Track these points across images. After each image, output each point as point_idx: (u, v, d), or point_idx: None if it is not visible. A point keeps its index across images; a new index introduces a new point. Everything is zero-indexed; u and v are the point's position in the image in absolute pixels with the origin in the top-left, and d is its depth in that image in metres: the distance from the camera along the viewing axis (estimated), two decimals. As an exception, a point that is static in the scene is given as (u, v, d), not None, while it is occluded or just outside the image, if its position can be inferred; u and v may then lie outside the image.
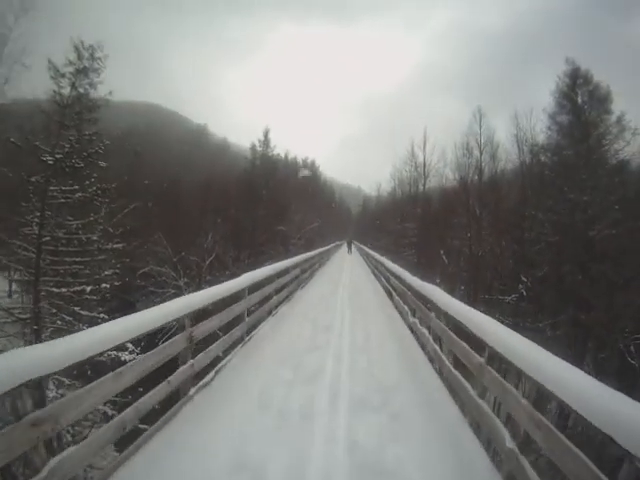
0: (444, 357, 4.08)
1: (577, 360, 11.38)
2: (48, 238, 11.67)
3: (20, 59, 10.35)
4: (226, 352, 4.77)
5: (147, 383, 3.03)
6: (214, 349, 4.18)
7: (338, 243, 44.05)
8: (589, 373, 2.06)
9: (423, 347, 5.15)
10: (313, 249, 22.38)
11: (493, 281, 16.71)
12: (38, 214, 11.22)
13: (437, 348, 4.45)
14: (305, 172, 53.51)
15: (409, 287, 6.63)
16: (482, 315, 3.40)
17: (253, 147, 29.68)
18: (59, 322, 12.35)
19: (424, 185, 27.16)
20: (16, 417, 1.77)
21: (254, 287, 5.81)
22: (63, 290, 12.21)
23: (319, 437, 2.97)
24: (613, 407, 1.59)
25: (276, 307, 7.55)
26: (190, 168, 39.29)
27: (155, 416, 3.21)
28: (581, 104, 16.51)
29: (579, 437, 4.02)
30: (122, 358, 10.97)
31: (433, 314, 4.69)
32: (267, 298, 6.77)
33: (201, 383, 3.91)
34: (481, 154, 20.76)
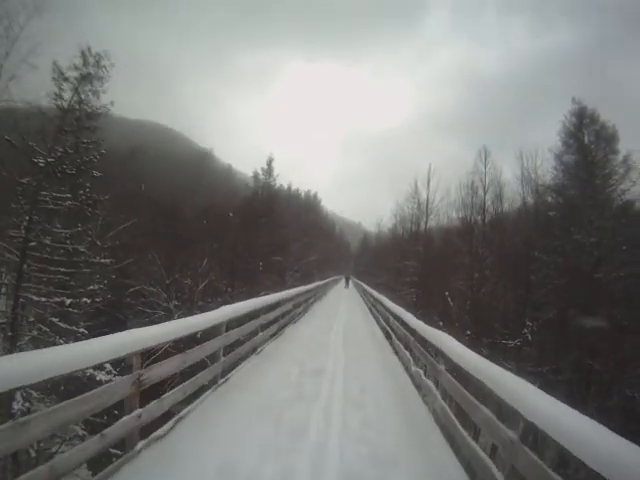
0: (457, 422, 3.29)
1: (581, 406, 10.52)
2: (34, 244, 11.20)
3: (27, 58, 10.15)
4: (195, 395, 3.96)
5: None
6: (172, 396, 3.37)
7: (336, 278, 43.40)
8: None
9: (428, 403, 4.32)
10: (311, 282, 21.70)
11: (495, 324, 15.83)
12: (27, 218, 10.79)
13: (447, 409, 3.65)
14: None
15: (413, 332, 5.84)
16: (513, 376, 2.65)
17: (256, 175, 29.53)
18: (35, 332, 11.66)
19: (426, 223, 26.70)
20: None
21: (236, 321, 5.03)
22: (43, 299, 11.67)
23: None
24: None
25: (261, 345, 6.71)
26: (193, 191, 39.10)
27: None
28: (588, 143, 16.43)
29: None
30: (97, 378, 10.25)
31: (442, 367, 3.92)
32: (252, 334, 5.97)
33: (153, 436, 3.11)
34: (485, 193, 20.61)
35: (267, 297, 7.78)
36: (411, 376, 5.50)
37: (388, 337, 9.29)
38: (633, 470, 1.47)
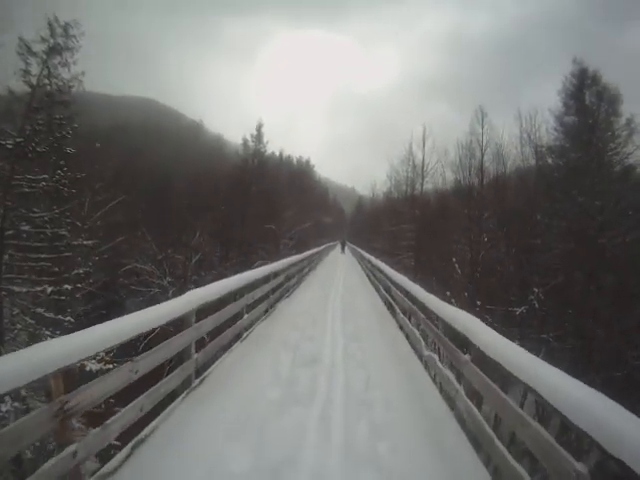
0: (493, 434, 2.59)
1: (584, 374, 10.27)
2: (11, 232, 10.63)
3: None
4: (163, 406, 3.22)
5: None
6: (122, 419, 2.56)
7: (331, 244, 43.11)
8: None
9: (449, 399, 3.65)
10: (306, 249, 21.02)
11: (500, 290, 15.35)
12: (1, 205, 10.07)
13: (475, 411, 2.95)
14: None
15: (423, 308, 5.11)
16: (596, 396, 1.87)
17: (245, 142, 28.33)
18: (19, 325, 11.14)
19: (422, 185, 25.76)
20: None
21: (209, 308, 4.19)
22: (23, 290, 11.05)
23: None
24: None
25: (249, 328, 5.96)
26: (184, 164, 37.74)
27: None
28: (589, 104, 15.66)
29: None
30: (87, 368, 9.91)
31: (467, 356, 3.19)
32: (235, 317, 5.19)
33: (99, 474, 2.39)
34: (483, 155, 19.83)
35: (252, 272, 7.00)
36: (422, 360, 4.83)
37: (390, 308, 8.72)
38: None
